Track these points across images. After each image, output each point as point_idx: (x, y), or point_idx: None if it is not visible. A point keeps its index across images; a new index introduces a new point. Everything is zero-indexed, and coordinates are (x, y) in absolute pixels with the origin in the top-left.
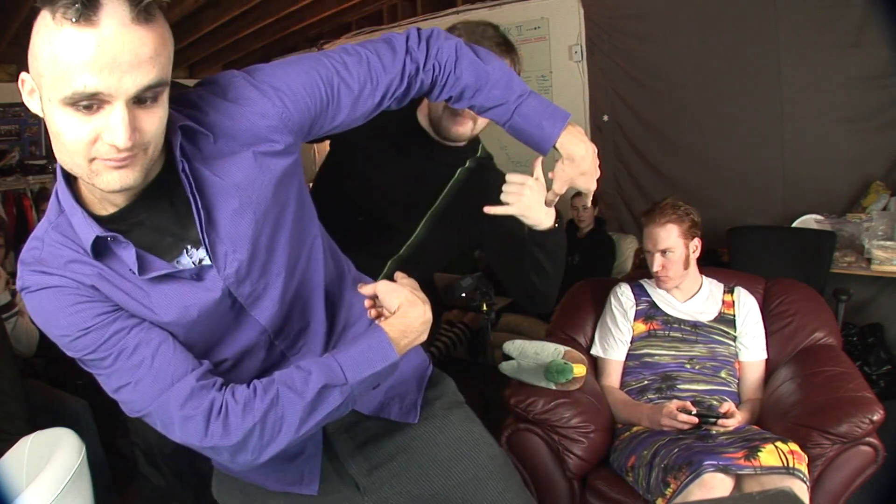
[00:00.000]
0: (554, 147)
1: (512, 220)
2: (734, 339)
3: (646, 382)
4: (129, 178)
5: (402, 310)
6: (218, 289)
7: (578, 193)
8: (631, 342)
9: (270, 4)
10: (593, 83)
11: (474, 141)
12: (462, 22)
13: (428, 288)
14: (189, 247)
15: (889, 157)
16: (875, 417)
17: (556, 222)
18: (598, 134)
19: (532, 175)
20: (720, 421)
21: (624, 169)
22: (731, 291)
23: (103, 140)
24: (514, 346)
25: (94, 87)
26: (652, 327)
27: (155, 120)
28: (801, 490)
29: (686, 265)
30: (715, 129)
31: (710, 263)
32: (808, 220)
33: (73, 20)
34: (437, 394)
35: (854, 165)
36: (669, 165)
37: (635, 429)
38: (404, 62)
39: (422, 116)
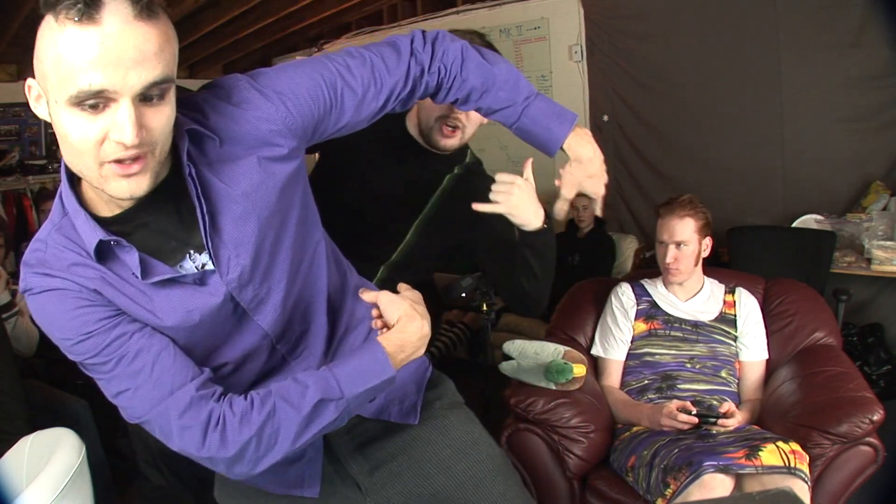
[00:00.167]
0: (561, 149)
1: (503, 225)
2: (735, 338)
3: (646, 382)
4: (139, 186)
5: (400, 323)
6: (221, 293)
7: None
8: (631, 341)
9: (270, 4)
10: (593, 83)
11: (463, 148)
12: (449, 31)
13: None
14: (192, 251)
15: (889, 157)
16: (875, 417)
17: (545, 223)
18: (598, 134)
19: (522, 176)
20: (720, 421)
21: (624, 169)
22: (732, 292)
23: (111, 139)
24: (514, 346)
25: (99, 84)
26: (653, 326)
27: (162, 118)
28: (802, 490)
29: (696, 262)
30: (715, 129)
31: (710, 263)
32: (808, 220)
33: (76, 19)
34: (437, 395)
35: (854, 165)
36: (669, 165)
37: (635, 429)
38: (409, 64)
39: (411, 125)
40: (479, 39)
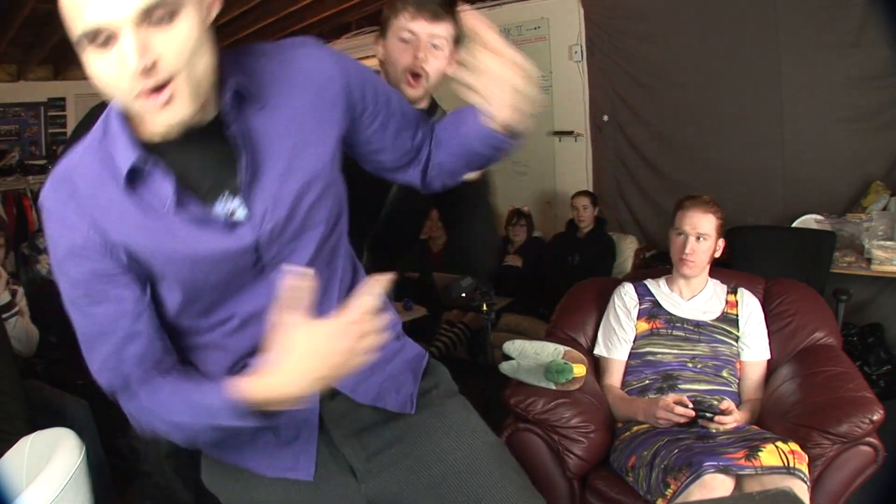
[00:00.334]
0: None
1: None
2: (737, 338)
3: (647, 381)
4: (175, 114)
5: (291, 359)
6: (247, 242)
7: (579, 193)
8: (633, 341)
9: (270, 4)
10: (593, 83)
11: (433, 105)
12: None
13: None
14: (228, 192)
15: (889, 157)
16: (875, 417)
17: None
18: (598, 134)
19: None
20: (717, 418)
21: (624, 169)
22: (734, 292)
23: (125, 72)
24: (513, 346)
25: (94, 20)
26: (655, 326)
27: (176, 40)
28: (802, 490)
29: (709, 259)
30: (715, 128)
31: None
32: (808, 220)
33: None
34: (433, 383)
35: (854, 165)
36: (669, 165)
37: (635, 428)
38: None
39: None
40: None
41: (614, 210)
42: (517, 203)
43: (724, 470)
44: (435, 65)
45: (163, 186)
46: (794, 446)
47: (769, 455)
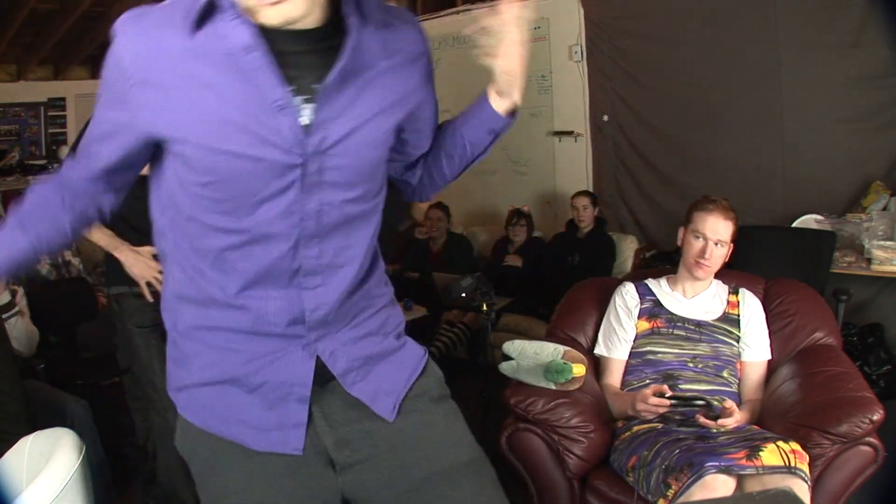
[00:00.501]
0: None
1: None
2: (738, 339)
3: (647, 381)
4: (289, 10)
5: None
6: (299, 146)
7: (579, 193)
8: (634, 340)
9: None
10: (593, 83)
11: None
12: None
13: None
14: (298, 92)
15: (889, 157)
16: (875, 417)
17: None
18: (598, 134)
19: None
20: (720, 421)
21: (624, 169)
22: (735, 292)
23: None
24: (513, 346)
25: None
26: (656, 325)
27: None
28: (803, 490)
29: (722, 265)
30: (715, 128)
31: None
32: (808, 220)
33: None
34: (425, 387)
35: (854, 165)
36: (669, 165)
37: (636, 429)
38: None
39: None
40: None
41: (614, 210)
42: (517, 203)
43: (726, 470)
44: None
45: (239, 32)
46: (795, 446)
47: (770, 455)
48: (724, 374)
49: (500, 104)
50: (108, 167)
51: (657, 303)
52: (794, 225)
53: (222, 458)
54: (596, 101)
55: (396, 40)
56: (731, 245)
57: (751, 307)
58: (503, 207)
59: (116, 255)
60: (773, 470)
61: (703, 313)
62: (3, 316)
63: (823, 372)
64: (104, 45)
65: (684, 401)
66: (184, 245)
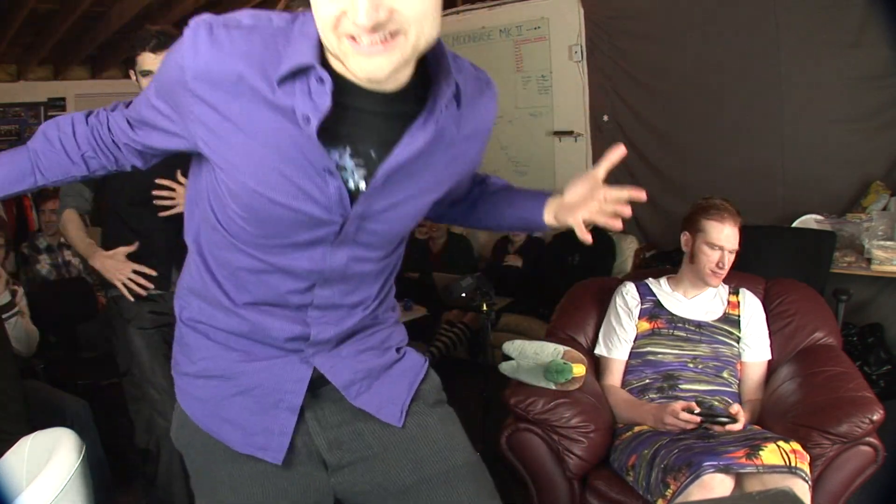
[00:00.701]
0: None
1: None
2: (738, 339)
3: (647, 381)
4: (379, 66)
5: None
6: (337, 213)
7: None
8: (634, 340)
9: (270, 5)
10: (593, 83)
11: None
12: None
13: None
14: (356, 157)
15: (889, 157)
16: (875, 417)
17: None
18: (598, 134)
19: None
20: (727, 427)
21: (624, 169)
22: (736, 293)
23: (347, 17)
24: (513, 347)
25: None
26: (656, 326)
27: (414, 1)
28: (803, 489)
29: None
30: (715, 128)
31: None
32: (808, 220)
33: None
34: (422, 392)
35: (854, 165)
36: (669, 165)
37: (636, 428)
38: None
39: None
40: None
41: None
42: None
43: (725, 469)
44: None
45: (307, 104)
46: (796, 446)
47: (771, 454)
48: (725, 374)
49: (549, 217)
50: (147, 147)
51: (657, 303)
52: (794, 225)
53: (216, 452)
54: (596, 101)
55: (472, 118)
56: None
57: (751, 307)
58: None
59: (91, 262)
60: (774, 469)
61: (704, 314)
62: (3, 316)
63: (823, 372)
64: (104, 45)
65: (711, 417)
66: (204, 245)
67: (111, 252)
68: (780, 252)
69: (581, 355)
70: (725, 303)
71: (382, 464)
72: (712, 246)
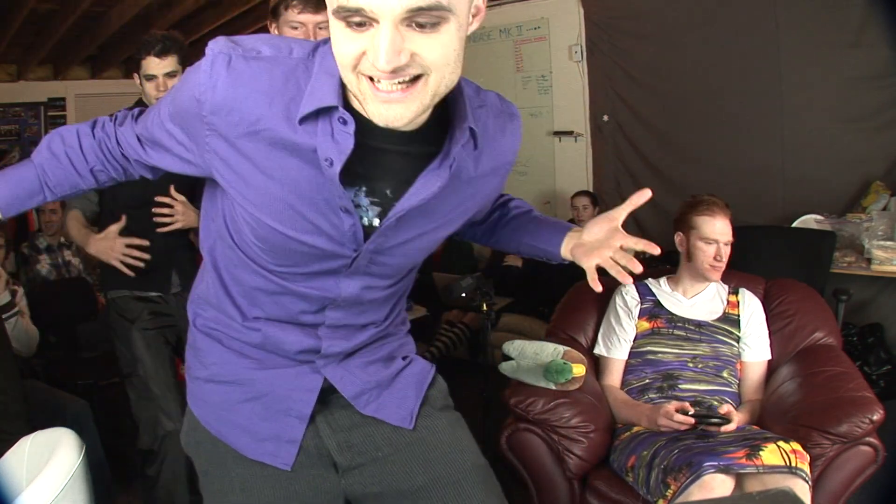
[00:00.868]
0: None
1: None
2: (738, 339)
3: (647, 381)
4: (397, 115)
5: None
6: (357, 248)
7: (578, 193)
8: (634, 340)
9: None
10: (593, 83)
11: None
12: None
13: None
14: (371, 196)
15: (889, 157)
16: (875, 417)
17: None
18: (598, 134)
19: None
20: (722, 428)
21: (624, 169)
22: (735, 292)
23: (367, 58)
24: (513, 347)
25: (356, 2)
26: (656, 325)
27: (436, 47)
28: (803, 490)
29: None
30: (715, 128)
31: None
32: (808, 220)
33: None
34: (430, 396)
35: (854, 165)
36: (669, 165)
37: (635, 429)
38: None
39: None
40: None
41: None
42: None
43: (725, 469)
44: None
45: (330, 146)
46: (796, 446)
47: (771, 454)
48: (724, 374)
49: (566, 251)
50: (157, 167)
51: (657, 303)
52: (794, 225)
53: (226, 455)
54: (596, 101)
55: (491, 156)
56: None
57: (751, 307)
58: None
59: (87, 250)
60: (774, 469)
61: (703, 313)
62: (3, 316)
63: (823, 372)
64: (104, 45)
65: (704, 418)
66: (219, 260)
67: (102, 234)
68: (780, 252)
69: (581, 355)
70: (725, 302)
71: (392, 466)
72: (707, 241)
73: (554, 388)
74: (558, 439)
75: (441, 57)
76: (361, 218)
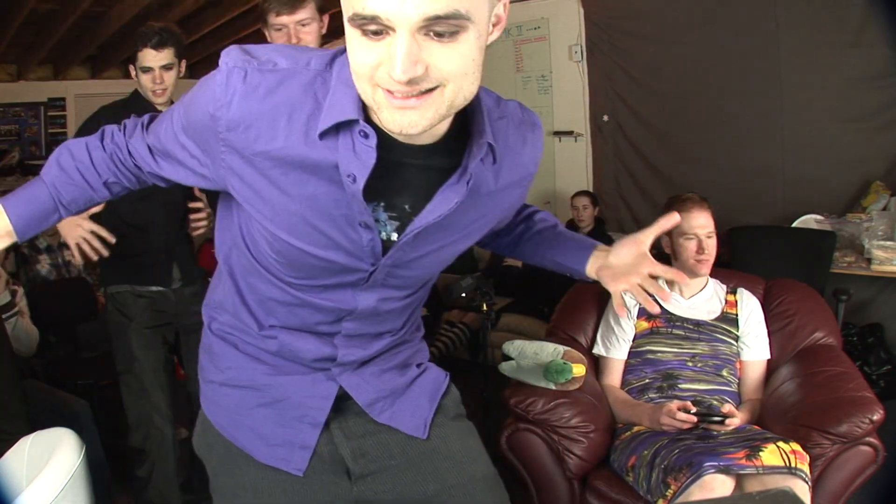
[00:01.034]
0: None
1: None
2: (736, 338)
3: (647, 381)
4: (412, 123)
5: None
6: (368, 262)
7: (578, 193)
8: (633, 339)
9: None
10: (593, 83)
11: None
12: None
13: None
14: (389, 211)
15: (889, 157)
16: (875, 417)
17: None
18: (598, 134)
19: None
20: (725, 422)
21: (624, 169)
22: (733, 292)
23: (383, 68)
24: (513, 347)
25: (372, 9)
26: (655, 325)
27: (454, 57)
28: (803, 490)
29: (717, 255)
30: (715, 128)
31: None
32: (808, 220)
33: None
34: (443, 405)
35: (854, 165)
36: (669, 165)
37: (636, 429)
38: None
39: None
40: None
41: (614, 210)
42: None
43: (725, 470)
44: (308, 39)
45: (352, 161)
46: (796, 446)
47: (771, 455)
48: (724, 373)
49: (591, 270)
50: (168, 178)
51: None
52: (794, 225)
53: (238, 458)
54: (596, 101)
55: (512, 169)
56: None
57: (749, 306)
58: None
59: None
60: (774, 470)
61: (702, 313)
62: (3, 316)
63: (823, 372)
64: (104, 45)
65: (706, 417)
66: (236, 269)
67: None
68: (780, 252)
69: (581, 355)
70: (723, 302)
71: (405, 474)
72: (687, 236)
73: (554, 388)
74: (558, 439)
75: (459, 67)
76: (380, 232)
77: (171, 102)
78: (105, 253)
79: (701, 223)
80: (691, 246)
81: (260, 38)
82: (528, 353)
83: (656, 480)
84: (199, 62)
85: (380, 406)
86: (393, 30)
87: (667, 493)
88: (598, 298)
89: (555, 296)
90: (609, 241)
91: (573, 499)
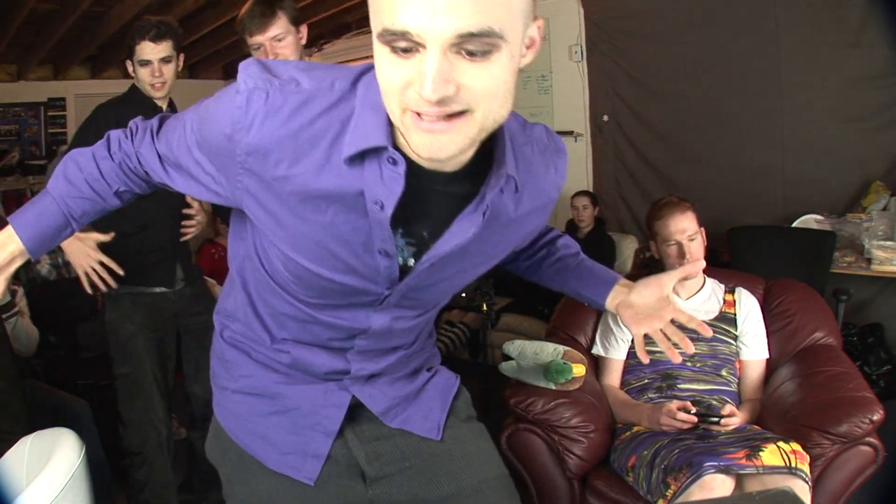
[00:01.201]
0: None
1: None
2: (735, 337)
3: (646, 381)
4: (441, 147)
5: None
6: (384, 286)
7: (578, 193)
8: (632, 339)
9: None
10: (593, 83)
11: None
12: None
13: None
14: (408, 238)
15: (889, 157)
16: (875, 417)
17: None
18: (598, 134)
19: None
20: (722, 421)
21: (624, 169)
22: (732, 291)
23: (413, 89)
24: (513, 347)
25: (402, 24)
26: None
27: (485, 77)
28: (803, 490)
29: (706, 253)
30: (715, 128)
31: (710, 263)
32: (808, 220)
33: None
34: (454, 408)
35: (854, 165)
36: (669, 165)
37: (636, 429)
38: None
39: None
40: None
41: (614, 210)
42: None
43: (725, 470)
44: (286, 52)
45: (379, 189)
46: (796, 446)
47: (771, 455)
48: (723, 372)
49: (611, 304)
50: (179, 188)
51: None
52: (794, 225)
53: (251, 464)
54: (596, 101)
55: (534, 197)
56: (703, 229)
57: (747, 306)
58: None
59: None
60: (774, 470)
61: (700, 313)
62: (3, 316)
63: (823, 372)
64: (104, 45)
65: (706, 417)
66: (249, 283)
67: (84, 234)
68: (780, 252)
69: (581, 355)
70: (721, 302)
71: (420, 476)
72: (668, 243)
73: (554, 388)
74: (558, 439)
75: (490, 88)
76: (398, 260)
77: (171, 101)
78: (114, 285)
79: (680, 227)
80: (672, 252)
81: None
82: (529, 353)
83: (656, 480)
84: (199, 62)
85: (393, 413)
86: (423, 47)
87: (667, 493)
88: None
89: (555, 296)
90: (609, 242)
91: (573, 499)
